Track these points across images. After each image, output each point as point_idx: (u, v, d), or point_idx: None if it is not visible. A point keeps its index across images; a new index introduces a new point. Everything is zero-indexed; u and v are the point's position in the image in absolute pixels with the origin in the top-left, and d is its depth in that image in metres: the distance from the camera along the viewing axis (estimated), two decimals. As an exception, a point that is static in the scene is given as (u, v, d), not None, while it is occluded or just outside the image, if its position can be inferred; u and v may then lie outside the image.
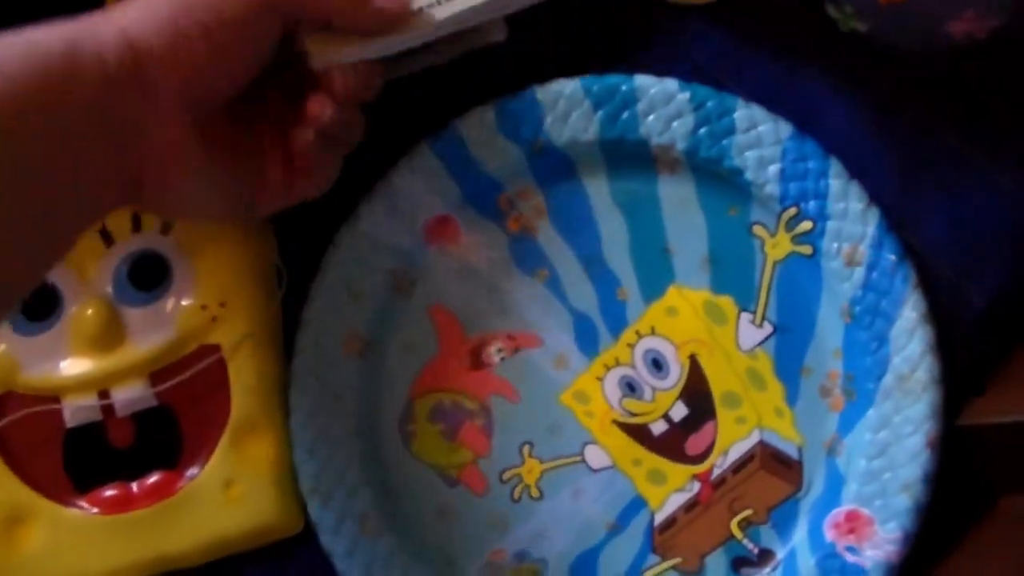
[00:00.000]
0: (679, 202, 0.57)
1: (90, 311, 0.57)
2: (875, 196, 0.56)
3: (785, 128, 0.56)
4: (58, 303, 0.58)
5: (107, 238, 0.58)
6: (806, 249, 0.56)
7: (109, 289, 0.58)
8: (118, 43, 0.45)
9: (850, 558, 0.54)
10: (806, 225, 0.56)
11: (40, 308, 0.58)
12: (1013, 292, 0.57)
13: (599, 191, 0.58)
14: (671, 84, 0.56)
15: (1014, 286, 0.57)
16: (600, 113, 0.57)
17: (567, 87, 0.57)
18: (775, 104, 0.57)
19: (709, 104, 0.56)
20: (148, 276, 0.58)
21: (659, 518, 0.57)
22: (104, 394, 0.57)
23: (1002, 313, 0.57)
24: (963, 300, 0.57)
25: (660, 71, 0.57)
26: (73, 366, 0.57)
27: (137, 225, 0.58)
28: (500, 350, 0.58)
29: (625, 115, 0.56)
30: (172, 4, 0.46)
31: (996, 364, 0.57)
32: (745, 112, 0.56)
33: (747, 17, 0.59)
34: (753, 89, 0.57)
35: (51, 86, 0.44)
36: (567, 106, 0.57)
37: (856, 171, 0.56)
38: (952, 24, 0.53)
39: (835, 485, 0.55)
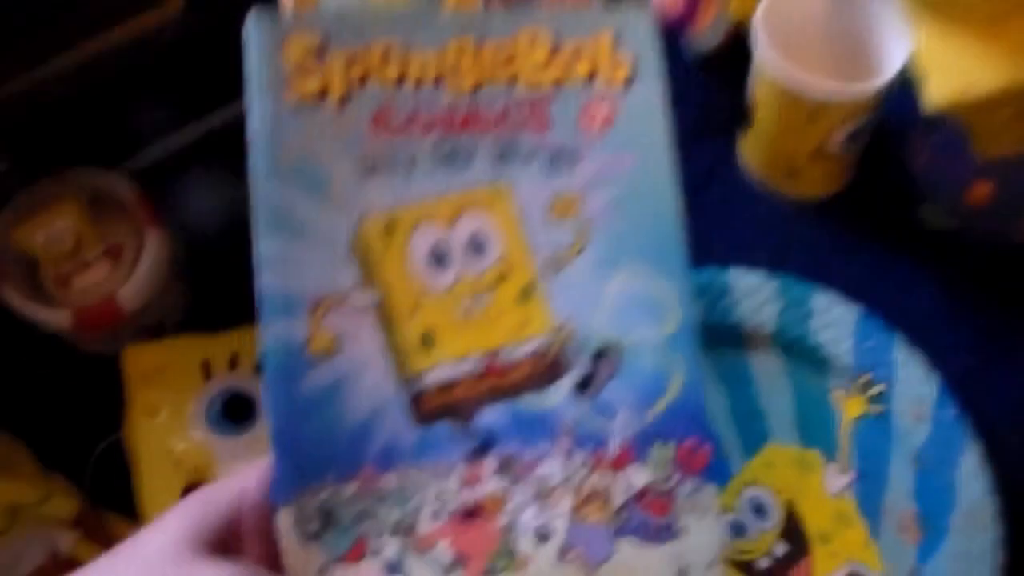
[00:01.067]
0: (769, 374, 0.70)
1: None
2: (955, 366, 0.68)
3: (854, 310, 0.68)
4: (254, 410, 0.71)
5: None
6: (878, 408, 0.67)
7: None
8: None
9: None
10: (878, 389, 0.67)
11: (238, 412, 0.70)
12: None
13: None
14: (758, 276, 0.69)
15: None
16: (701, 302, 0.69)
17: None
18: (868, 289, 0.70)
19: (792, 292, 0.69)
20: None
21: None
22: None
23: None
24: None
25: (774, 261, 0.71)
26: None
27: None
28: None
29: (722, 303, 0.69)
30: None
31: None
32: (822, 298, 0.68)
33: (849, 215, 0.74)
34: (852, 276, 0.72)
35: None
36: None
37: (939, 345, 0.68)
38: (1022, 224, 0.68)
39: (918, 609, 0.64)
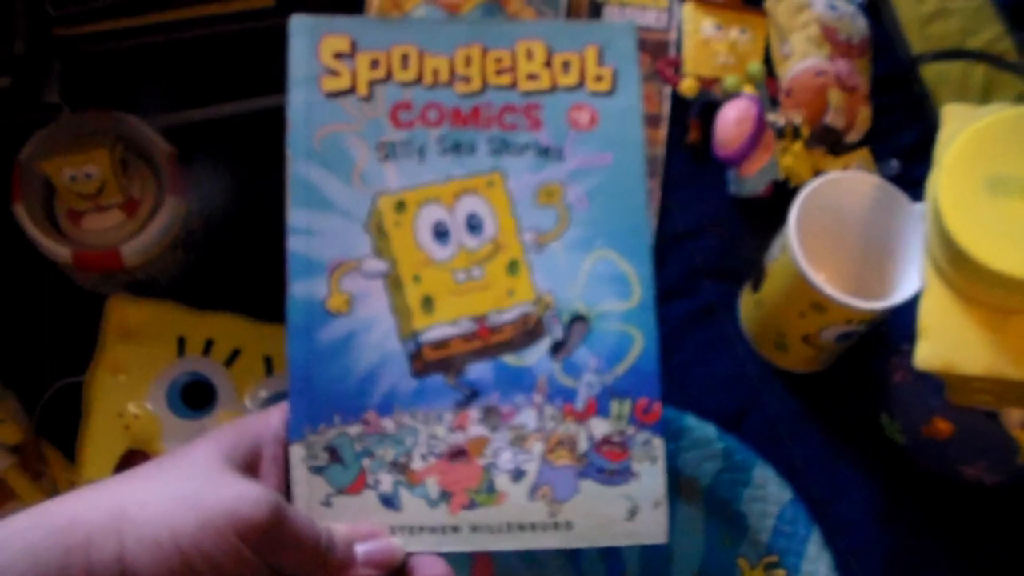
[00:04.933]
0: (688, 523, 0.72)
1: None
2: (861, 573, 0.72)
3: (787, 492, 0.71)
4: (212, 399, 0.73)
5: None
6: (777, 587, 0.71)
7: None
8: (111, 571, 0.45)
9: None
10: (781, 573, 0.70)
11: (198, 398, 0.73)
12: None
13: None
14: (710, 431, 0.72)
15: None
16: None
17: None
18: (807, 473, 0.74)
19: (736, 457, 0.71)
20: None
21: None
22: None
23: None
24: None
25: (733, 417, 0.75)
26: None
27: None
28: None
29: (669, 446, 0.72)
30: (179, 550, 0.45)
31: None
32: (761, 472, 0.71)
33: (815, 398, 0.78)
34: (797, 456, 0.76)
35: None
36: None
37: (853, 549, 0.72)
38: (966, 468, 0.71)
39: None
